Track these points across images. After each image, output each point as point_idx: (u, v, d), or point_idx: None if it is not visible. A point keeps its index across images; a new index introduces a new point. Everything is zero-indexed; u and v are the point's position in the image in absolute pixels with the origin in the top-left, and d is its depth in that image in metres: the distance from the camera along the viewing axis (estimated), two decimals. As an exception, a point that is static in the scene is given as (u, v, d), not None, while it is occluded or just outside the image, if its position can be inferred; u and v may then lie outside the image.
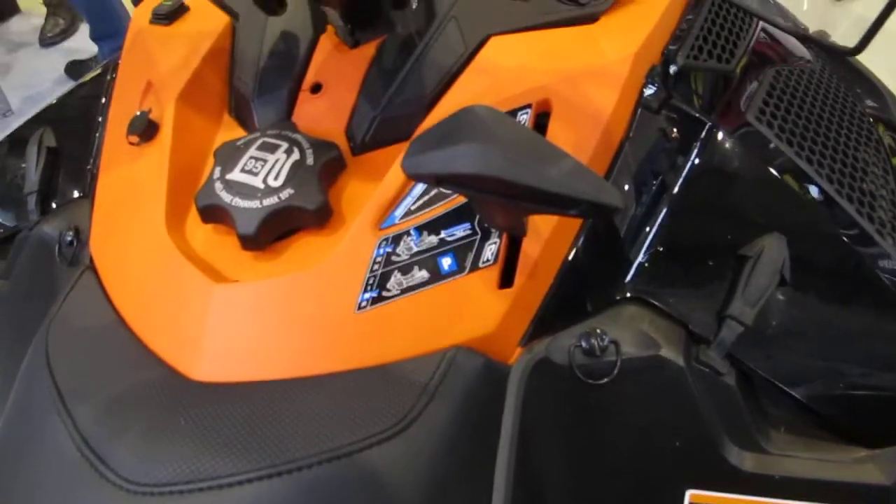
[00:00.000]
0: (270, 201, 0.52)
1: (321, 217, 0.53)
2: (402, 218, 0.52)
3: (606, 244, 0.56)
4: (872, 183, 0.67)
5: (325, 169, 0.54)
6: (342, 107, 0.59)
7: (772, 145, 0.62)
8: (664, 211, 0.57)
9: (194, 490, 0.45)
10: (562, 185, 0.41)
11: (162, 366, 0.52)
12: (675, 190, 0.58)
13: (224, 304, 0.51)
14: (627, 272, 0.56)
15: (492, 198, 0.43)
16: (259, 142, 0.55)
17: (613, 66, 0.56)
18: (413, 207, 0.53)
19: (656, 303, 0.56)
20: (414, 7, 0.61)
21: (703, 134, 0.60)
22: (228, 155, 0.55)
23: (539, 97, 0.55)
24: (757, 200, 0.60)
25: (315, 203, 0.52)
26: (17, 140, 0.81)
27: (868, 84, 0.86)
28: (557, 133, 0.54)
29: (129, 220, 0.59)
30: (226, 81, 0.64)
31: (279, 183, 0.53)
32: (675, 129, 0.60)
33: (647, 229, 0.57)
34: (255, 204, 0.52)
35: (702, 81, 0.65)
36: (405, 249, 0.52)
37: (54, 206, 0.72)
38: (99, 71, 0.84)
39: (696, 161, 0.59)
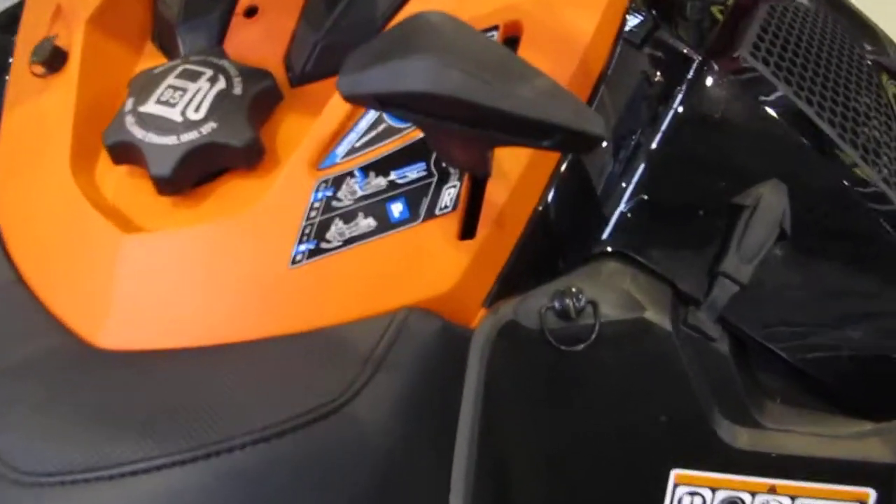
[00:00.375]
0: (189, 136, 0.44)
1: (250, 156, 0.45)
2: (344, 157, 0.45)
3: (584, 190, 0.49)
4: (876, 129, 0.60)
5: (256, 100, 0.46)
6: (280, 32, 0.51)
7: (767, 84, 0.55)
8: (648, 156, 0.50)
9: (96, 479, 0.37)
10: (535, 108, 0.33)
11: (62, 331, 0.44)
12: (661, 132, 0.51)
13: (134, 258, 0.43)
14: (607, 223, 0.49)
15: (449, 126, 0.35)
16: (179, 69, 0.47)
17: None
18: (358, 144, 0.45)
19: (639, 258, 0.49)
20: None
21: (692, 71, 0.53)
22: (143, 84, 0.47)
23: (508, 18, 0.47)
24: (752, 144, 0.53)
25: (242, 139, 0.44)
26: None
27: (866, 28, 0.79)
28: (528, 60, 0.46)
29: (32, 162, 0.50)
30: (148, 4, 0.56)
31: (200, 115, 0.45)
32: (660, 65, 0.53)
33: (630, 175, 0.50)
34: (171, 140, 0.44)
35: (690, 12, 0.58)
36: (348, 194, 0.44)
37: None
38: None
39: (685, 100, 0.52)
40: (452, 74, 0.32)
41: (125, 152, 0.46)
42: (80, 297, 0.44)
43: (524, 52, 0.47)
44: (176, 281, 0.43)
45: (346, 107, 0.45)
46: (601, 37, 0.49)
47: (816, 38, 0.65)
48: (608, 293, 0.48)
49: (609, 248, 0.49)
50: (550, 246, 0.48)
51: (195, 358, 0.42)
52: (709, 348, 0.49)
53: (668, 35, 0.54)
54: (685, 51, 0.54)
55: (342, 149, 0.45)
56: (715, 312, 0.49)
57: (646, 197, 0.50)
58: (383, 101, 0.35)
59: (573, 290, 0.47)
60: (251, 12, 0.53)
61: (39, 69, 0.52)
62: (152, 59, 0.54)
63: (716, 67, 0.54)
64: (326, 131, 0.45)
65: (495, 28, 0.47)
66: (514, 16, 0.47)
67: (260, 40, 0.52)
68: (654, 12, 0.53)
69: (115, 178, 0.48)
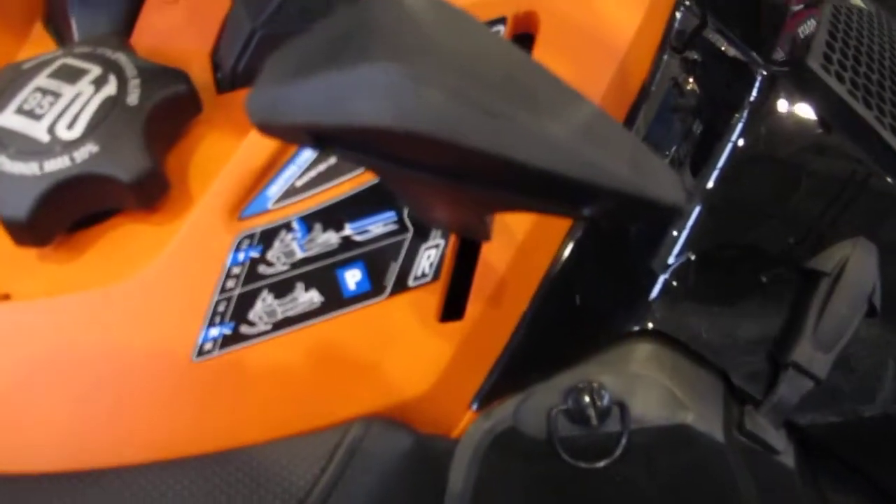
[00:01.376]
0: (57, 164, 0.30)
1: (145, 194, 0.31)
2: (278, 201, 0.31)
3: (611, 248, 0.36)
4: None
5: (159, 113, 0.32)
6: (208, 19, 0.38)
7: (844, 106, 0.42)
8: (700, 199, 0.37)
9: None
10: (570, 159, 0.20)
11: None
12: (718, 169, 0.38)
13: None
14: (642, 292, 0.36)
15: (426, 178, 0.22)
16: (56, 64, 0.33)
17: None
18: (298, 184, 0.31)
19: (682, 339, 0.36)
20: None
21: (756, 89, 0.39)
22: (5, 84, 0.33)
23: (520, 8, 0.34)
24: (832, 187, 0.40)
25: (134, 169, 0.31)
26: None
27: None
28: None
29: None
30: None
31: (75, 134, 0.31)
32: (715, 78, 0.40)
33: (675, 227, 0.36)
34: (31, 169, 0.30)
35: (744, 9, 0.44)
36: (283, 255, 0.31)
37: None
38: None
39: (748, 127, 0.38)
40: (431, 98, 0.19)
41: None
42: None
43: (540, 54, 0.33)
44: (30, 375, 0.30)
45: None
46: (643, 39, 0.36)
47: (885, 45, 0.52)
48: (641, 389, 0.36)
49: (643, 327, 0.36)
50: (564, 325, 0.35)
51: (50, 490, 0.29)
52: (770, 462, 0.38)
53: (725, 39, 0.41)
54: (747, 61, 0.40)
55: (275, 189, 0.31)
56: (781, 416, 0.37)
57: (693, 256, 0.37)
58: (319, 137, 0.21)
59: (594, 385, 0.35)
60: (172, -10, 0.39)
61: None
62: (39, 45, 0.40)
63: (784, 82, 0.41)
64: (253, 163, 0.31)
65: (501, 21, 0.33)
66: (529, 5, 0.34)
67: (181, 28, 0.38)
68: (705, 10, 0.39)
69: None
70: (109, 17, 0.39)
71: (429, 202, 0.26)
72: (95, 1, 0.39)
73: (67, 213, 0.32)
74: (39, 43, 0.41)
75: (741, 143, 0.39)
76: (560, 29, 0.34)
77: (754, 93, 0.40)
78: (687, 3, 0.39)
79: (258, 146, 0.31)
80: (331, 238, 0.31)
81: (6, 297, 0.32)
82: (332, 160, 0.31)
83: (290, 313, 0.30)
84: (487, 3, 0.34)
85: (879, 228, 0.40)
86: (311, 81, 0.20)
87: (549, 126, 0.20)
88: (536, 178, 0.20)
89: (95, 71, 0.33)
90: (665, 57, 0.37)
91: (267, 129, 0.22)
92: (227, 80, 0.37)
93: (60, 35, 0.41)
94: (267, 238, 0.31)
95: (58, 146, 0.31)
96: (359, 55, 0.19)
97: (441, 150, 0.20)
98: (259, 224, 0.31)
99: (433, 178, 0.22)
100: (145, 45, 0.38)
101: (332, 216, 0.31)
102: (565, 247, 0.35)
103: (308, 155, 0.32)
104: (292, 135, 0.22)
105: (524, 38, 0.34)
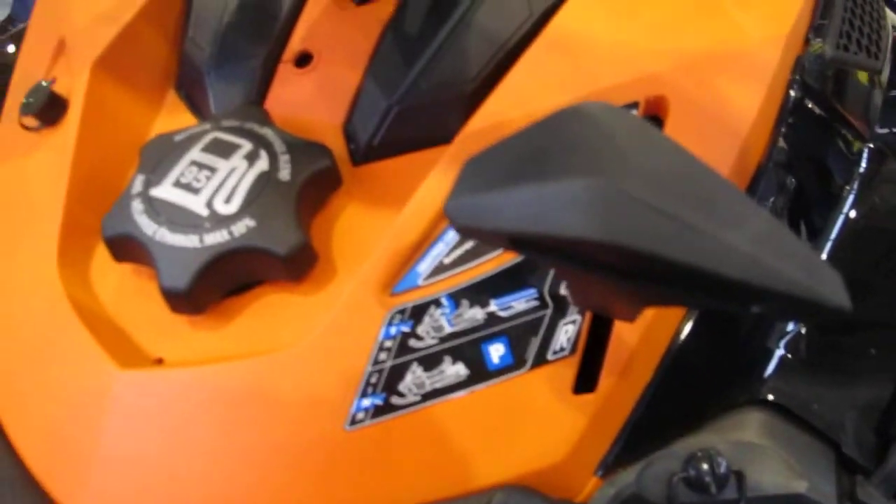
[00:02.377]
0: (217, 238, 0.32)
1: (297, 266, 0.33)
2: (427, 277, 0.33)
3: (729, 321, 0.37)
4: None
5: (308, 188, 0.34)
6: (341, 89, 0.39)
7: None
8: None
9: None
10: (750, 268, 0.21)
11: (36, 495, 0.32)
12: (830, 241, 0.39)
13: (130, 403, 0.32)
14: (758, 364, 0.37)
15: (610, 278, 0.23)
16: (208, 138, 0.35)
17: (760, 51, 0.37)
18: (447, 261, 0.33)
19: (794, 409, 0.37)
20: None
21: (865, 161, 0.40)
22: (159, 156, 0.35)
23: (649, 92, 0.35)
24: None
25: (288, 244, 0.32)
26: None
27: None
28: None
29: (13, 241, 0.39)
30: (174, 42, 0.44)
31: (233, 208, 0.33)
32: (826, 152, 0.41)
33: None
34: (191, 241, 0.32)
35: (850, 81, 0.46)
36: (431, 329, 0.32)
37: None
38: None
39: (858, 200, 0.39)
40: (633, 213, 0.20)
41: (129, 249, 0.34)
42: (60, 451, 0.32)
43: (671, 133, 0.35)
44: (185, 439, 0.31)
45: (432, 208, 0.33)
46: (763, 118, 0.37)
47: None
48: (757, 458, 0.36)
49: (757, 397, 0.37)
50: (684, 396, 0.36)
51: None
52: None
53: (833, 112, 0.42)
54: (851, 136, 0.42)
55: (425, 266, 0.33)
56: (893, 486, 0.37)
57: (807, 329, 0.38)
58: (518, 242, 0.23)
59: (712, 453, 0.35)
60: (303, 60, 0.41)
61: (32, 121, 0.40)
62: (174, 114, 0.42)
63: (890, 155, 0.42)
64: (405, 241, 0.32)
65: (634, 105, 0.35)
66: (657, 89, 0.35)
67: (313, 99, 0.40)
68: (819, 79, 0.41)
69: (115, 277, 0.36)
70: (244, 87, 0.41)
71: (593, 292, 0.27)
72: (232, 71, 0.41)
73: (223, 283, 0.33)
74: (174, 109, 0.42)
75: (853, 214, 0.40)
76: (688, 111, 0.35)
77: (863, 164, 0.41)
78: (798, 79, 0.40)
79: (410, 225, 0.33)
80: (477, 314, 0.32)
81: (160, 361, 0.34)
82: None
83: (438, 385, 0.32)
84: (622, 88, 0.35)
85: None
86: (516, 192, 0.21)
87: (735, 236, 0.21)
88: (714, 282, 0.21)
89: (247, 146, 0.35)
90: (781, 133, 0.38)
91: (467, 232, 0.23)
92: (362, 153, 0.38)
93: (194, 102, 0.43)
94: (417, 313, 0.32)
95: (216, 220, 0.33)
96: (561, 169, 0.21)
97: (633, 258, 0.21)
98: (410, 300, 0.32)
99: (615, 279, 0.23)
100: (278, 115, 0.39)
101: (478, 293, 0.32)
102: (686, 322, 0.36)
103: (454, 233, 0.33)
104: (491, 238, 0.23)
105: (654, 119, 0.36)
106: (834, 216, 0.40)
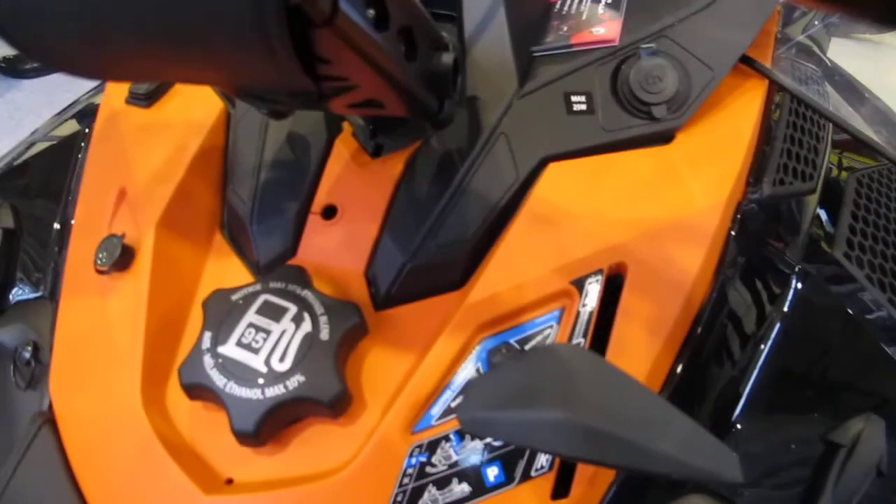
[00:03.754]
0: (275, 391, 0.41)
1: (338, 408, 0.42)
2: (439, 418, 0.42)
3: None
4: None
5: (344, 343, 0.43)
6: (362, 240, 0.48)
7: (863, 292, 0.52)
8: (749, 383, 0.47)
9: None
10: (673, 465, 0.31)
11: None
12: (762, 357, 0.48)
13: None
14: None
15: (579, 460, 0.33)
16: (260, 301, 0.44)
17: (702, 217, 0.46)
18: (454, 404, 0.42)
19: (727, 496, 0.47)
20: (457, 103, 0.49)
21: (792, 282, 0.50)
22: (221, 314, 0.44)
23: (613, 260, 0.44)
24: (846, 364, 0.50)
25: (331, 393, 0.42)
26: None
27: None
28: (632, 304, 0.44)
29: (98, 372, 0.48)
30: (218, 190, 0.53)
31: (286, 366, 0.42)
32: (759, 281, 0.50)
33: (728, 407, 0.47)
34: (255, 394, 0.41)
35: (784, 209, 0.55)
36: (443, 458, 0.41)
37: (11, 299, 0.61)
38: (66, 123, 0.72)
39: (784, 319, 0.49)
40: (588, 437, 0.30)
41: (203, 394, 0.43)
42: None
43: (628, 293, 0.44)
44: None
45: (442, 365, 0.43)
46: (708, 264, 0.46)
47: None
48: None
49: (698, 485, 0.47)
50: (638, 492, 0.46)
51: None
52: None
53: (767, 248, 0.52)
54: (780, 264, 0.51)
55: (437, 409, 0.42)
56: None
57: (740, 427, 0.48)
58: (509, 443, 0.33)
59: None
60: (329, 212, 0.50)
61: (105, 267, 0.49)
62: (222, 255, 0.51)
63: (812, 276, 0.51)
64: (422, 392, 0.42)
65: (599, 272, 0.44)
66: (619, 257, 0.44)
67: (339, 248, 0.49)
68: (754, 223, 0.50)
69: (187, 409, 0.45)
70: (281, 237, 0.49)
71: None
72: (270, 224, 0.49)
73: (281, 423, 0.43)
74: (222, 252, 0.51)
75: (776, 329, 0.49)
76: (643, 272, 0.44)
77: (792, 287, 0.50)
78: (734, 232, 0.49)
79: (425, 378, 0.42)
80: (477, 445, 0.42)
81: (230, 481, 0.43)
82: (477, 386, 0.42)
83: (448, 500, 0.41)
84: (589, 259, 0.44)
85: (886, 397, 0.50)
86: (511, 416, 0.31)
87: (662, 443, 0.31)
88: (649, 474, 0.31)
89: (293, 310, 0.44)
90: (720, 278, 0.47)
91: (473, 432, 0.33)
92: (382, 300, 0.47)
93: (239, 246, 0.51)
94: (432, 447, 0.42)
95: (274, 376, 0.42)
96: (540, 401, 0.31)
97: (588, 460, 0.31)
98: (426, 437, 0.42)
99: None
100: (310, 263, 0.48)
101: (478, 430, 0.42)
102: None
103: (458, 381, 0.42)
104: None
105: (616, 278, 0.45)
106: (766, 332, 0.49)
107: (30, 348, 0.55)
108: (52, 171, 0.64)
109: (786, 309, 0.49)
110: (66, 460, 0.47)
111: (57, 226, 0.59)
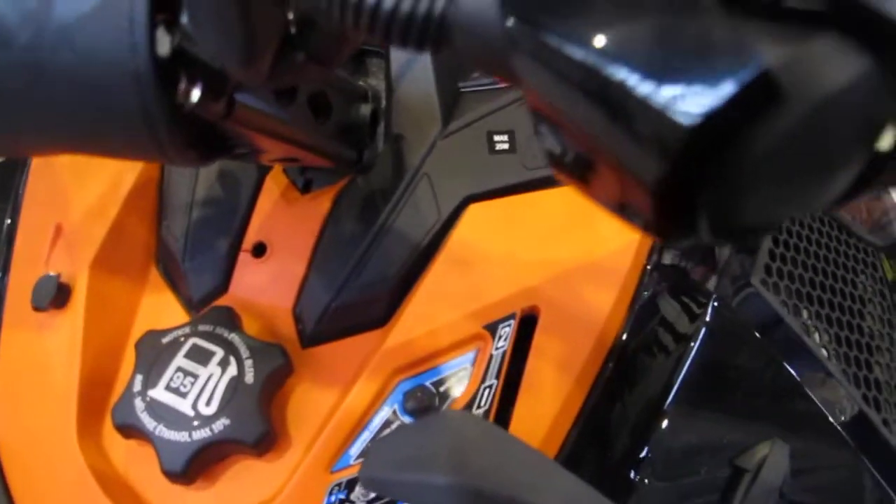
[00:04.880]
0: (202, 434, 0.43)
1: (262, 447, 0.45)
2: (357, 458, 0.44)
3: (598, 453, 0.50)
4: (879, 353, 0.61)
5: (268, 384, 0.45)
6: (290, 278, 0.50)
7: (776, 317, 0.55)
8: (662, 415, 0.50)
9: None
10: None
11: None
12: (674, 388, 0.51)
13: None
14: (618, 485, 0.50)
15: None
16: (189, 345, 0.46)
17: (615, 256, 0.48)
18: (370, 445, 0.45)
19: None
20: (377, 150, 0.51)
21: (709, 311, 0.52)
22: (151, 357, 0.46)
23: (526, 303, 0.47)
24: (756, 389, 0.53)
25: (254, 434, 0.44)
26: None
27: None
28: (544, 344, 0.46)
29: (36, 407, 0.50)
30: (153, 225, 0.54)
31: (212, 410, 0.44)
32: (676, 312, 0.53)
33: (641, 437, 0.50)
34: (183, 437, 0.43)
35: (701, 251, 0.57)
36: (361, 496, 0.44)
37: None
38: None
39: (698, 349, 0.52)
40: (473, 496, 0.33)
41: (135, 434, 0.45)
42: None
43: (539, 335, 0.47)
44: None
45: (360, 407, 0.45)
46: (618, 308, 0.49)
47: (824, 238, 0.65)
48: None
49: None
50: None
51: None
52: None
53: (686, 279, 0.54)
54: (697, 293, 0.54)
55: (355, 449, 0.44)
56: None
57: (651, 455, 0.51)
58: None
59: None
60: (259, 250, 0.51)
61: (42, 305, 0.50)
62: (156, 291, 0.53)
63: (725, 301, 0.54)
64: (341, 432, 0.44)
65: (512, 316, 0.46)
66: (532, 301, 0.47)
67: (268, 285, 0.50)
68: (668, 266, 0.52)
69: (122, 445, 0.48)
70: (212, 274, 0.51)
71: None
72: (201, 262, 0.51)
73: (208, 462, 0.45)
74: (157, 287, 0.53)
75: (692, 357, 0.51)
76: (555, 315, 0.47)
77: (708, 315, 0.53)
78: (650, 266, 0.51)
79: (344, 421, 0.44)
80: (394, 482, 0.44)
81: None
82: (394, 427, 0.45)
83: (366, 535, 0.44)
84: (500, 303, 0.46)
85: (794, 429, 0.53)
86: (406, 479, 0.33)
87: (550, 501, 0.34)
88: None
89: (219, 354, 0.46)
90: (634, 314, 0.50)
91: (372, 490, 0.35)
92: (308, 337, 0.49)
93: (172, 280, 0.53)
94: (350, 485, 0.44)
95: (200, 419, 0.44)
96: (434, 467, 0.33)
97: None
98: (345, 475, 0.44)
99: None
100: (240, 298, 0.50)
101: (395, 468, 0.44)
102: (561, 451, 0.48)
103: (377, 422, 0.45)
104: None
105: (529, 319, 0.47)
106: (682, 361, 0.52)
107: None
108: None
109: (699, 340, 0.52)
110: (8, 490, 0.49)
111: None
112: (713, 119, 0.17)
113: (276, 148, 0.37)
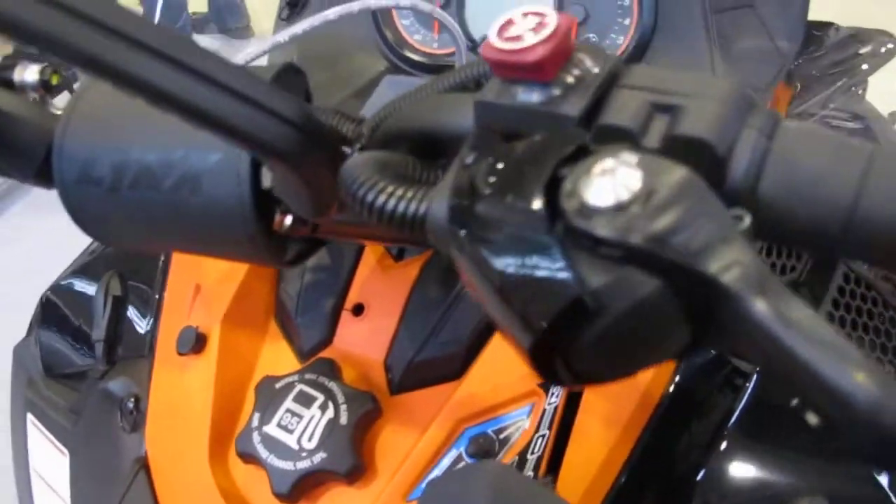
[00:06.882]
0: (303, 465, 0.53)
1: (352, 477, 0.54)
2: (429, 491, 0.53)
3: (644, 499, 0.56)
4: None
5: (359, 425, 0.55)
6: (383, 334, 0.60)
7: None
8: (704, 468, 0.56)
9: None
10: None
11: None
12: (720, 445, 0.56)
13: None
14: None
15: None
16: (296, 390, 0.56)
17: None
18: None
19: None
20: None
21: (751, 385, 0.58)
22: (268, 398, 0.57)
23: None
24: (797, 448, 0.58)
25: (346, 466, 0.53)
26: (88, 270, 0.85)
27: None
28: (592, 400, 0.53)
29: (179, 433, 0.61)
30: (273, 286, 0.65)
31: (312, 445, 0.54)
32: (720, 376, 0.58)
33: (683, 489, 0.56)
34: (289, 465, 0.53)
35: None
36: None
37: (120, 353, 0.76)
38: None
39: (742, 410, 0.57)
40: None
41: (252, 461, 0.56)
42: None
43: (589, 392, 0.54)
44: None
45: (433, 448, 0.53)
46: (664, 367, 0.55)
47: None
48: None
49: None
50: None
51: None
52: None
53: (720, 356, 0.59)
54: (737, 363, 0.59)
55: (427, 483, 0.53)
56: None
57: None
58: None
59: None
60: (358, 310, 0.61)
61: (184, 351, 0.62)
62: (274, 340, 0.64)
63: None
64: (418, 465, 0.53)
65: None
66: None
67: (365, 340, 0.60)
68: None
69: (242, 469, 0.58)
70: (319, 330, 0.62)
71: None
72: (311, 318, 0.62)
73: (310, 486, 0.55)
74: (274, 338, 0.64)
75: (738, 421, 0.57)
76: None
77: (749, 388, 0.58)
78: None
79: (421, 456, 0.53)
80: (459, 514, 0.53)
81: None
82: (461, 466, 0.53)
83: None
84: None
85: (836, 487, 0.57)
86: None
87: None
88: None
89: (319, 398, 0.56)
90: (678, 377, 0.56)
91: None
92: (396, 386, 0.59)
93: (287, 333, 0.64)
94: (425, 513, 0.53)
95: (303, 452, 0.54)
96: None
97: None
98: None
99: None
100: (341, 350, 0.60)
101: None
102: None
103: (446, 462, 0.53)
104: None
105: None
106: (720, 431, 0.57)
107: (133, 400, 0.70)
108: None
109: (744, 402, 0.57)
110: (156, 499, 0.61)
111: (155, 301, 0.74)
112: (552, 323, 0.27)
113: (359, 240, 0.47)
